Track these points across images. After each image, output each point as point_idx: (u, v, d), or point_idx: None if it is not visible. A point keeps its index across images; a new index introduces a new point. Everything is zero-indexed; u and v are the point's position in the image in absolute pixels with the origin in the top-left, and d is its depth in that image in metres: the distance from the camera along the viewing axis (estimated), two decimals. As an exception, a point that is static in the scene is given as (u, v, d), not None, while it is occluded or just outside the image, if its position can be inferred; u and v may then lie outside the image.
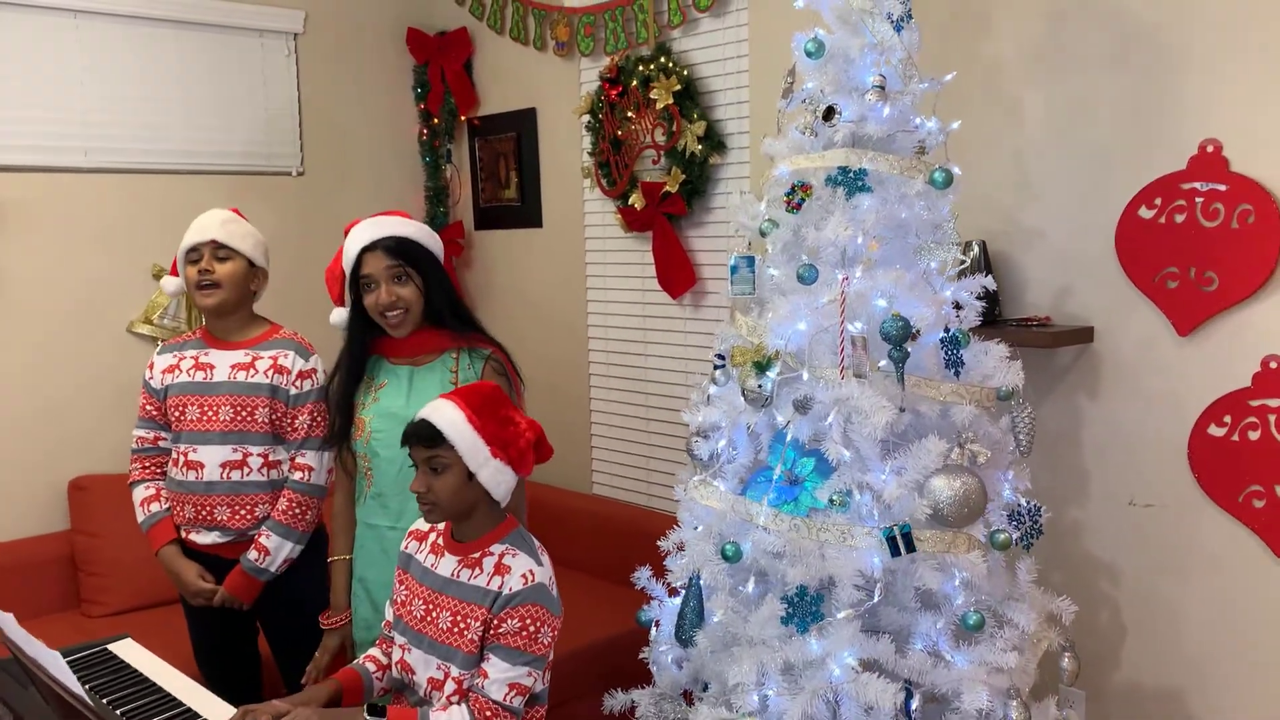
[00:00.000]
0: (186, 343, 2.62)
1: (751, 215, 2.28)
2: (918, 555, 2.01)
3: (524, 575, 1.95)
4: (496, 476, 1.95)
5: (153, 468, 2.62)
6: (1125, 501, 2.58)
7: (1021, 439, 2.16)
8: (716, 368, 2.35)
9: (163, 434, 2.61)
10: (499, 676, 1.92)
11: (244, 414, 2.50)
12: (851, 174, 2.11)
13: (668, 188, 3.42)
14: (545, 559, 2.03)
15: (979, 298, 2.21)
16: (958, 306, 2.18)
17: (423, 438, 1.95)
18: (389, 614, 2.16)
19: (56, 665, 1.48)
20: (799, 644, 2.03)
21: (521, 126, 4.11)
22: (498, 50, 4.17)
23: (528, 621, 1.93)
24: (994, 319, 2.59)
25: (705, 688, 2.27)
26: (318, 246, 3.92)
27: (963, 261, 2.15)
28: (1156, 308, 2.49)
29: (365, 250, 2.29)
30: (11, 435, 3.44)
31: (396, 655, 2.09)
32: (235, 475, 2.50)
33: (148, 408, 2.60)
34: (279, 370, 2.52)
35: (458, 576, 2.00)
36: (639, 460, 3.81)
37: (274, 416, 2.51)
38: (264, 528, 2.51)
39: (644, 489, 3.79)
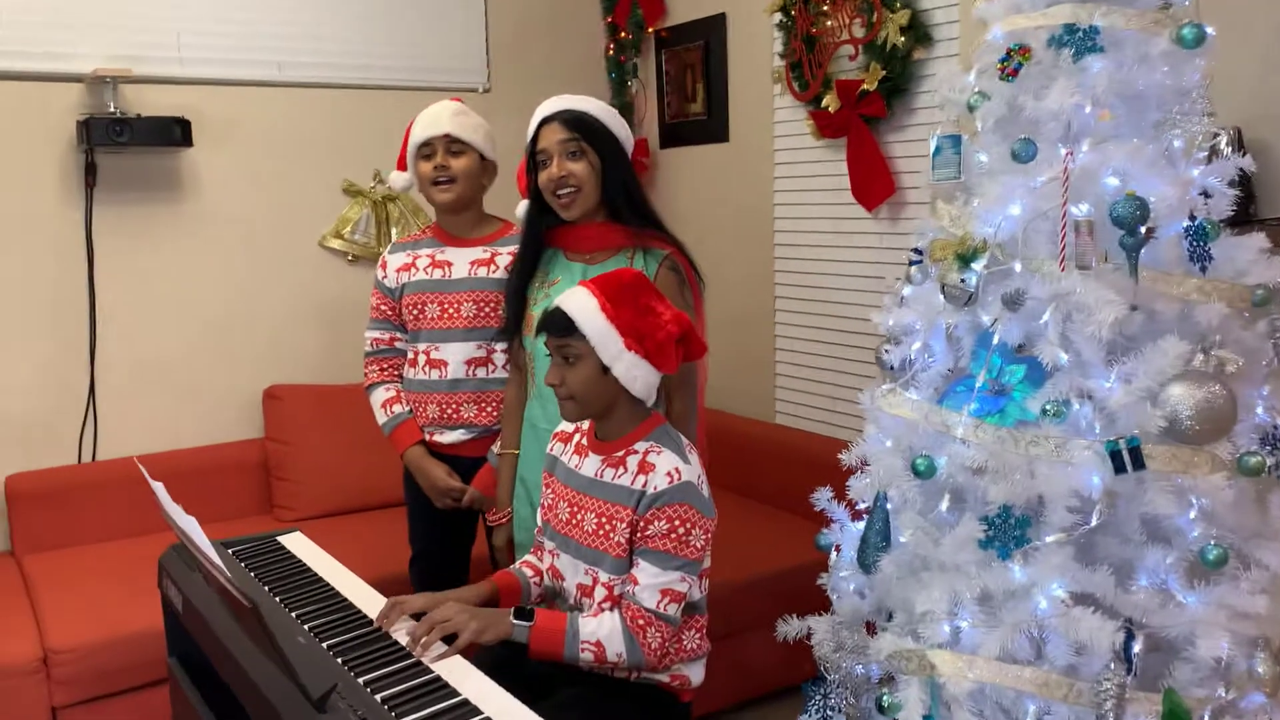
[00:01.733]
0: (420, 241, 2.58)
1: (959, 88, 2.01)
2: (1147, 475, 1.72)
3: (669, 473, 1.80)
4: (632, 371, 1.81)
5: (390, 369, 2.60)
6: None
7: (1284, 347, 1.82)
8: (912, 264, 2.10)
9: (398, 334, 2.58)
10: (650, 582, 1.79)
11: (486, 310, 2.46)
12: (1080, 32, 1.82)
13: (865, 86, 3.13)
14: (694, 457, 1.87)
15: (1232, 184, 1.87)
16: (1205, 195, 1.85)
17: (555, 326, 1.84)
18: (539, 519, 2.06)
19: (195, 530, 1.45)
20: (999, 571, 1.79)
21: (710, 34, 3.90)
22: (687, -46, 3.97)
23: (676, 523, 1.79)
24: (1247, 218, 2.22)
25: (890, 617, 2.06)
26: (502, 164, 3.84)
27: (1215, 135, 1.82)
28: None
29: (543, 123, 2.18)
30: (209, 343, 3.55)
31: (547, 561, 2.00)
32: (481, 372, 2.47)
33: (382, 308, 2.58)
34: None
35: (601, 476, 1.88)
36: (825, 389, 3.57)
37: None
38: None
39: (830, 419, 3.56)
